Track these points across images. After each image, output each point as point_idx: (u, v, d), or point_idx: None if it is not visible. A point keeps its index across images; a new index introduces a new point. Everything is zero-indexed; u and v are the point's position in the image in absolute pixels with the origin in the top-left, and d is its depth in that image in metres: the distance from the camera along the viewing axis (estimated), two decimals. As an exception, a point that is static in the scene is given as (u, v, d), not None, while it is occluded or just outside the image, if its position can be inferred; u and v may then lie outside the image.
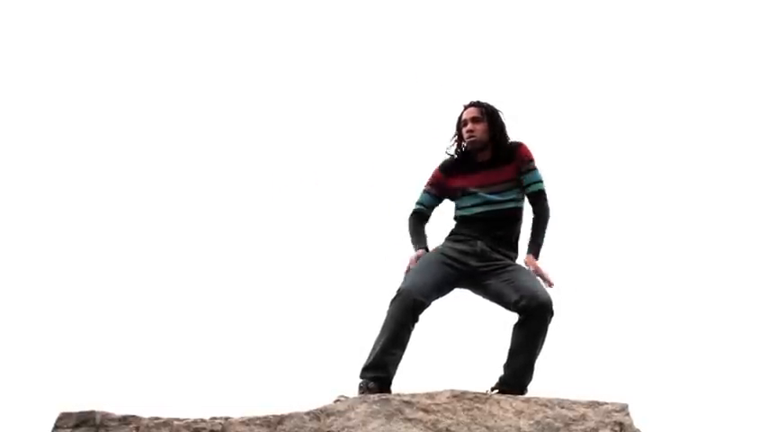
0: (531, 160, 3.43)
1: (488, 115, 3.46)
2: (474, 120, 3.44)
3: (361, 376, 3.13)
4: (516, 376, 3.13)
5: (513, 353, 3.16)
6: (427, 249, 3.43)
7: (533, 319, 3.10)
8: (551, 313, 3.12)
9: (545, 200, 3.44)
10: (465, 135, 3.44)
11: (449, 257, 3.30)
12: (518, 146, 3.44)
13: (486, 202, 3.37)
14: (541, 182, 3.44)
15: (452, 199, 3.51)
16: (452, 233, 3.45)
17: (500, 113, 3.50)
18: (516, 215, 3.42)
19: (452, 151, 3.53)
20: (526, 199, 3.47)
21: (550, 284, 3.25)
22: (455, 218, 3.48)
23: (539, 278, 3.25)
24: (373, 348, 3.15)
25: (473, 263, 3.29)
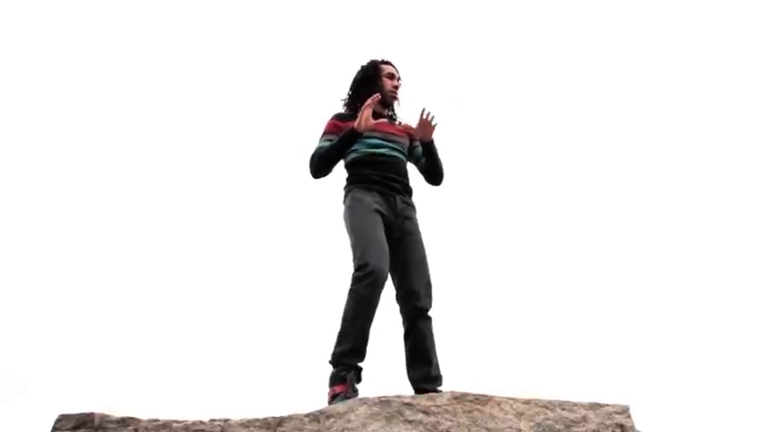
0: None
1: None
2: (399, 80, 3.60)
3: (341, 363, 3.10)
4: (423, 385, 3.16)
5: (408, 363, 3.24)
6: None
7: (410, 332, 3.24)
8: (429, 319, 3.26)
9: None
10: (391, 86, 3.55)
11: (380, 213, 3.31)
12: (408, 126, 3.60)
13: (387, 148, 3.44)
14: None
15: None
16: (362, 179, 3.41)
17: None
18: (406, 164, 3.55)
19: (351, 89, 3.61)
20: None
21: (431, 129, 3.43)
22: (354, 161, 3.45)
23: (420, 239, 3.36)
24: (348, 331, 3.12)
25: (393, 219, 3.35)
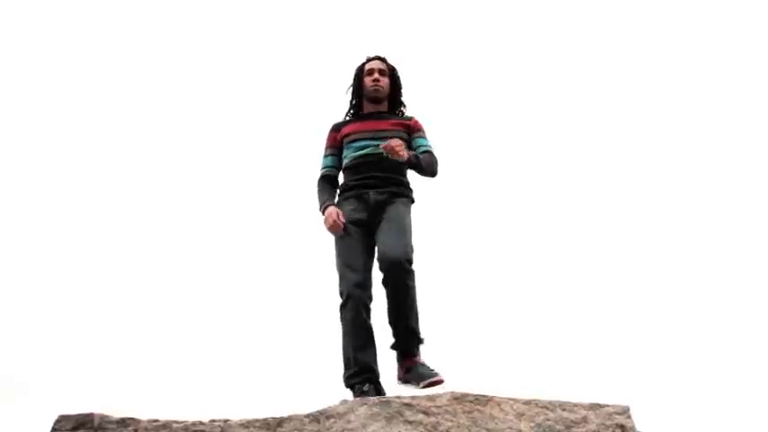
0: (422, 130, 3.65)
1: (391, 72, 3.68)
2: (381, 72, 3.64)
3: (349, 385, 3.18)
4: (402, 341, 3.24)
5: (391, 321, 3.24)
6: (335, 205, 3.47)
7: (389, 284, 3.19)
8: (404, 269, 3.18)
9: (434, 155, 3.59)
10: (370, 83, 3.62)
11: (355, 222, 3.38)
12: (411, 118, 3.67)
13: (373, 145, 3.47)
14: (429, 146, 3.61)
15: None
16: (343, 189, 3.54)
17: (399, 74, 3.72)
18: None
19: (348, 98, 3.71)
20: None
21: (398, 154, 3.35)
22: (344, 168, 3.58)
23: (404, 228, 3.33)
24: (347, 357, 3.21)
25: (371, 216, 3.38)
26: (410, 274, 3.22)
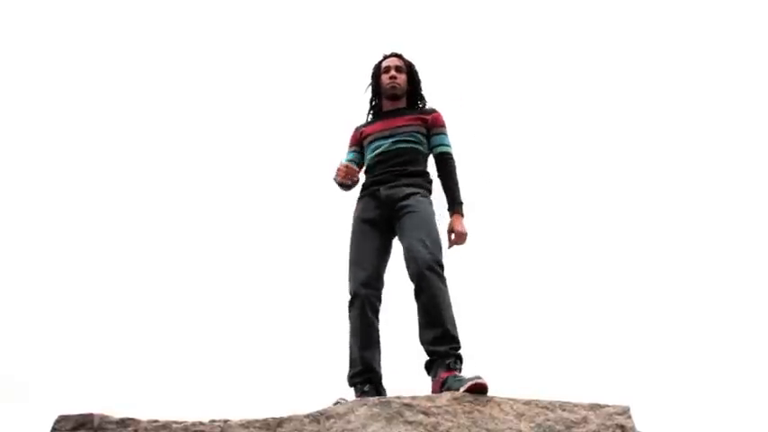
0: (443, 125, 3.60)
1: (408, 68, 3.68)
2: (397, 69, 3.63)
3: (352, 384, 3.18)
4: (442, 352, 3.03)
5: (425, 338, 3.10)
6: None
7: (419, 289, 3.11)
8: (435, 271, 3.10)
9: (451, 159, 3.54)
10: (387, 80, 3.62)
11: (367, 221, 3.38)
12: (433, 110, 3.62)
13: (388, 143, 3.48)
14: (449, 146, 3.57)
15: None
16: (361, 189, 3.54)
17: (416, 69, 3.70)
18: (416, 150, 3.50)
19: (368, 98, 3.73)
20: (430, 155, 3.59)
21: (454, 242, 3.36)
22: (365, 171, 3.59)
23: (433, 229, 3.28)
24: (352, 356, 3.21)
25: (385, 213, 3.36)
26: (443, 278, 3.13)
